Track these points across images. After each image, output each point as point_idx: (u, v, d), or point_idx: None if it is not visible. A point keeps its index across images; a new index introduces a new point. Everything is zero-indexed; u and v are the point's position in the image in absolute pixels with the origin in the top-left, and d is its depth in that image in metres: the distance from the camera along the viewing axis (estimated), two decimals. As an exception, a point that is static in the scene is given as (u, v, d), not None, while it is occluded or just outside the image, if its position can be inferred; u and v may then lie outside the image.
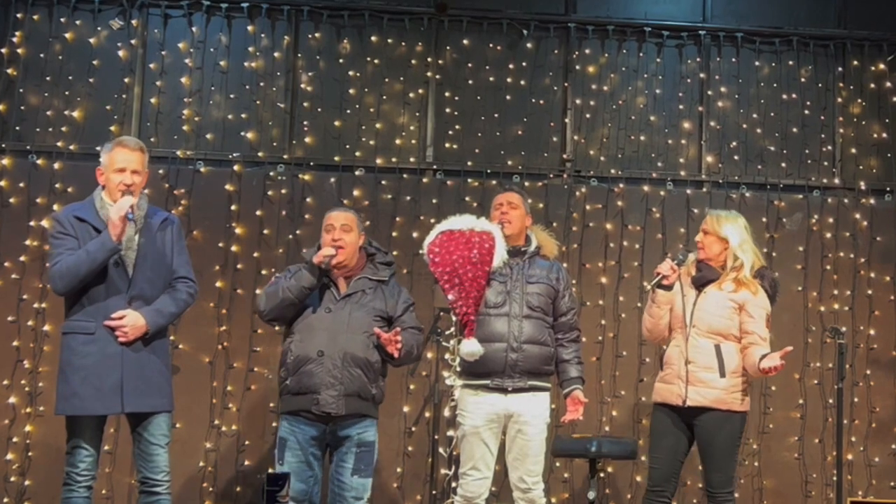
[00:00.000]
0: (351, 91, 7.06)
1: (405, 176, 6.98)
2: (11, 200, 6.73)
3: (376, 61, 7.10)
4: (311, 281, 4.85)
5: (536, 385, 5.07)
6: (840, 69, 7.29)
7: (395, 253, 6.70)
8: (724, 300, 5.02)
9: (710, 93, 7.22)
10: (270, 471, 6.34)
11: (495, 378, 5.01)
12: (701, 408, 4.96)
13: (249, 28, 7.04)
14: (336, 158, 6.96)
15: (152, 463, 4.61)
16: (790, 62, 7.27)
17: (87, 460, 4.57)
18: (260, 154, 6.94)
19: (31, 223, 6.68)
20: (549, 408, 5.15)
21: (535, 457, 5.05)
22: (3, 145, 6.80)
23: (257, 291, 6.64)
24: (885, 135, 7.26)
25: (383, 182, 6.95)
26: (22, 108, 6.86)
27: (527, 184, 6.90)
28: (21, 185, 6.73)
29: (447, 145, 7.10)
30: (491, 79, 7.14)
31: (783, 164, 7.19)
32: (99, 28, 6.96)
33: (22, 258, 6.66)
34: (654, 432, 5.11)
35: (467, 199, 6.92)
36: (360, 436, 4.91)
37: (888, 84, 7.27)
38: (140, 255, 4.63)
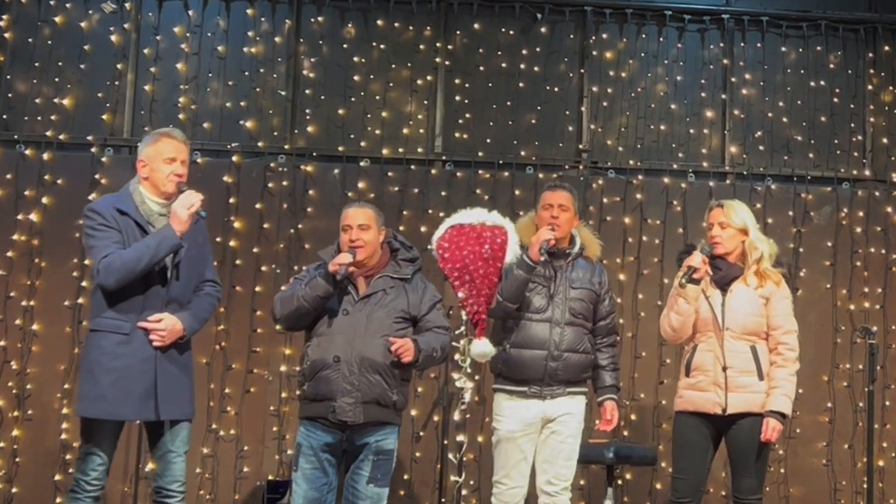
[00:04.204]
0: (356, 78, 6.96)
1: (413, 167, 6.87)
2: (-2, 192, 6.68)
3: (382, 46, 6.99)
4: (327, 290, 4.68)
5: (573, 391, 5.01)
6: (871, 55, 7.20)
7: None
8: (754, 297, 4.89)
9: (733, 80, 7.13)
10: (270, 478, 6.20)
11: (533, 386, 4.93)
12: (739, 414, 4.83)
13: (249, 11, 6.95)
14: (340, 149, 6.86)
15: (168, 472, 4.51)
16: (818, 47, 7.16)
17: (99, 469, 4.43)
18: (260, 144, 6.83)
19: (19, 217, 6.60)
20: (585, 410, 5.08)
21: (566, 460, 4.96)
22: (-10, 135, 6.77)
23: (257, 289, 6.64)
24: (918, 124, 7.19)
25: (390, 174, 6.83)
26: (9, 95, 6.79)
27: (541, 175, 6.84)
28: (8, 176, 6.64)
29: (457, 135, 6.99)
30: (503, 65, 7.04)
31: (811, 155, 7.08)
32: (90, 11, 6.88)
33: (9, 254, 6.55)
34: (683, 441, 4.93)
35: (478, 191, 6.83)
36: (379, 443, 4.73)
37: (921, 71, 7.21)
38: (178, 257, 4.48)
